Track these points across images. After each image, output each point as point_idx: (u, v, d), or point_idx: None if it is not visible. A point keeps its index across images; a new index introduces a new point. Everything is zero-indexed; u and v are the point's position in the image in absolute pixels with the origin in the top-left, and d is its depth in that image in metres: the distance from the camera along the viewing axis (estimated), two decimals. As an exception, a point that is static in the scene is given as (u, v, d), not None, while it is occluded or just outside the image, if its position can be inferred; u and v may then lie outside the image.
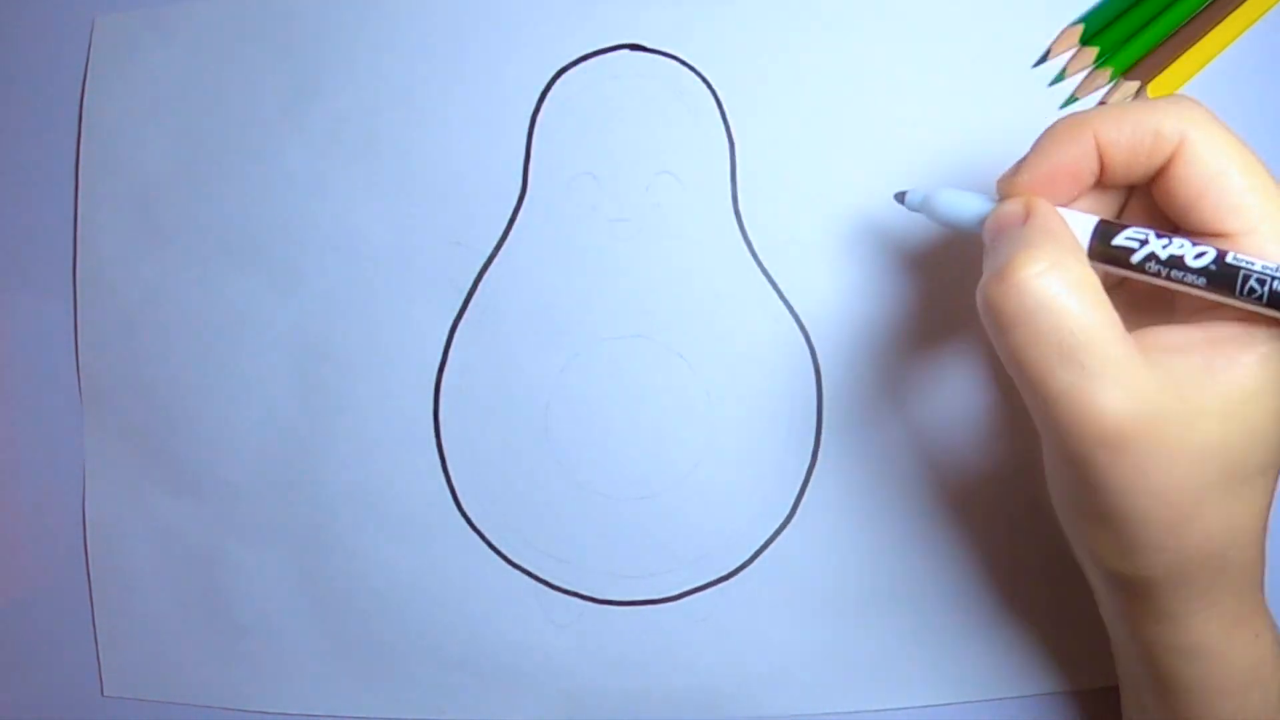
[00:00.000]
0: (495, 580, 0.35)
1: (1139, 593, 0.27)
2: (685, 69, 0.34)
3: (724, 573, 0.35)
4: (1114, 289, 0.27)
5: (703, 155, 0.34)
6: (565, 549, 0.35)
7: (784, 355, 0.34)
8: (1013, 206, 0.26)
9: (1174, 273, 0.25)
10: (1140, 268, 0.25)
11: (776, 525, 0.34)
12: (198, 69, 0.36)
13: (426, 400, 0.35)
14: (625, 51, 0.34)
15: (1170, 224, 0.26)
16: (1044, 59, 0.33)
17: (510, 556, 0.35)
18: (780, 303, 0.34)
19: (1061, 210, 0.26)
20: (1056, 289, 0.23)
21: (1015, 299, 0.23)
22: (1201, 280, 0.24)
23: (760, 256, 0.34)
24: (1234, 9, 0.32)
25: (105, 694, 0.37)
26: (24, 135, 0.37)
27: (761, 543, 0.34)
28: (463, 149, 0.34)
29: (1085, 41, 0.33)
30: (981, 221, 0.27)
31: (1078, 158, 0.26)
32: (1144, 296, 0.27)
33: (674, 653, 0.35)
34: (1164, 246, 0.25)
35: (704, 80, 0.34)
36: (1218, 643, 0.27)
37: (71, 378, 0.37)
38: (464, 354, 0.35)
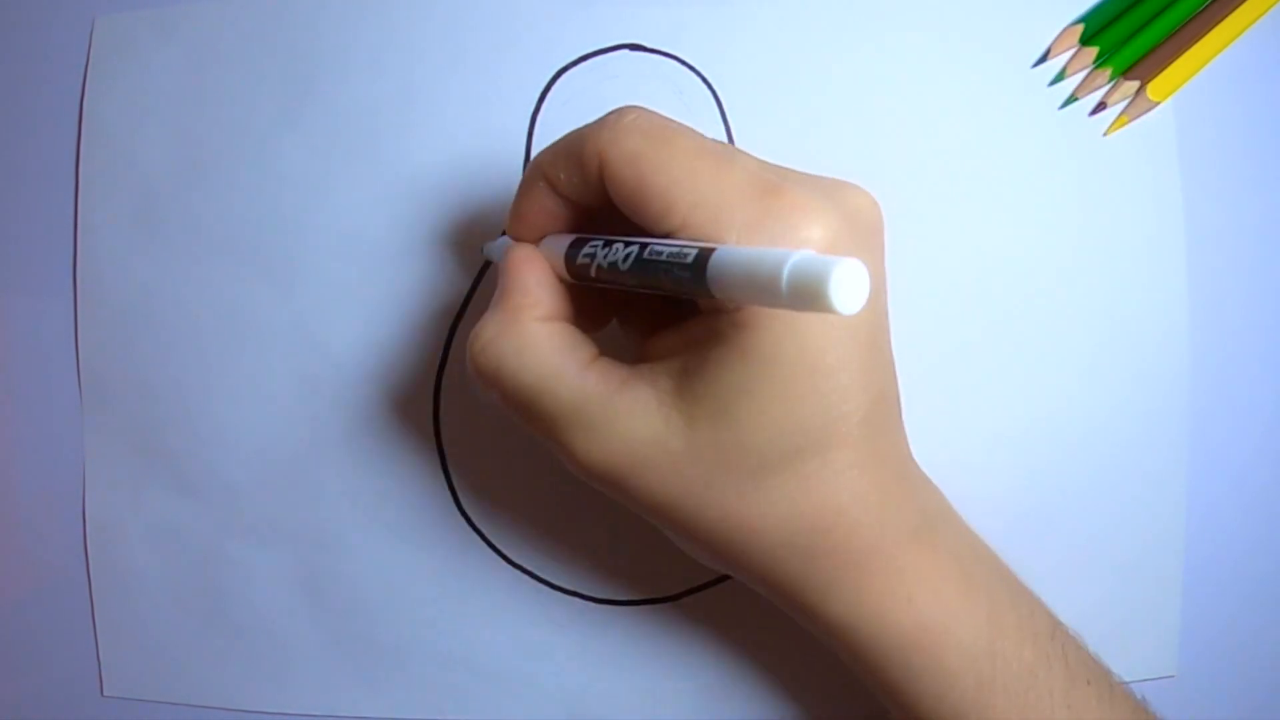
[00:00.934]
0: (495, 580, 0.35)
1: (749, 583, 0.27)
2: (685, 69, 0.34)
3: (724, 572, 0.35)
4: None
5: (703, 155, 0.34)
6: (565, 549, 0.35)
7: (784, 355, 0.34)
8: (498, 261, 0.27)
9: (619, 278, 0.22)
10: (600, 280, 0.23)
11: (776, 525, 0.34)
12: (198, 69, 0.36)
13: (426, 400, 0.35)
14: (625, 51, 0.34)
15: None
16: (1044, 59, 0.33)
17: (510, 556, 0.35)
18: (780, 303, 0.34)
19: (549, 240, 0.27)
20: (505, 352, 0.25)
21: (480, 363, 0.25)
22: (633, 280, 0.22)
23: (760, 256, 0.34)
24: (1234, 9, 0.32)
25: (105, 694, 0.37)
26: (24, 135, 0.37)
27: (761, 543, 0.34)
28: (463, 149, 0.34)
29: (1085, 41, 0.33)
30: None
31: (539, 198, 0.26)
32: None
33: (674, 653, 0.35)
34: (605, 255, 0.23)
35: (704, 80, 0.34)
36: (852, 619, 0.26)
37: (71, 378, 0.37)
38: (464, 354, 0.35)
